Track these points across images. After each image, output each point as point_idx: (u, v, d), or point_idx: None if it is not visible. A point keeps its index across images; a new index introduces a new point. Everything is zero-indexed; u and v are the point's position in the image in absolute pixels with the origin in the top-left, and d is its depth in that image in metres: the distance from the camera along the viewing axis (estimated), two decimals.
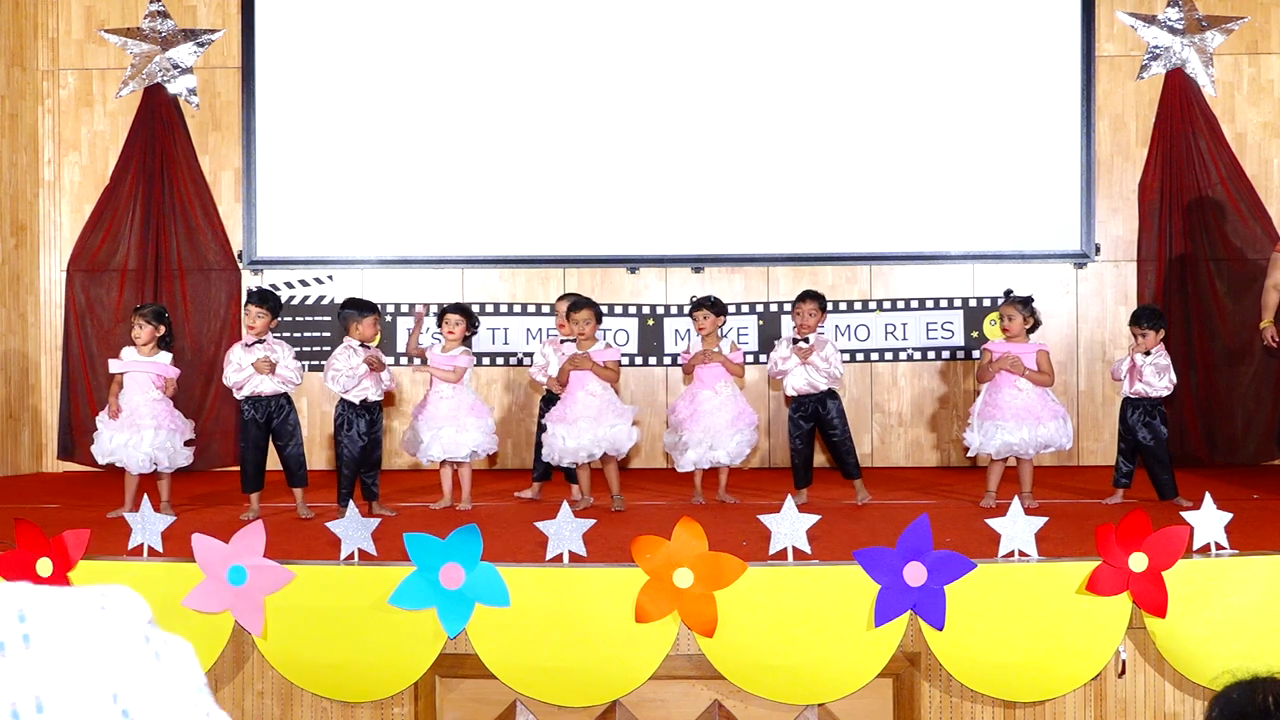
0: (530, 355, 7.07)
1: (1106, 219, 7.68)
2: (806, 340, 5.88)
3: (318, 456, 7.69)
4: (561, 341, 6.03)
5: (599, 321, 5.94)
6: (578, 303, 5.90)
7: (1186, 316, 7.51)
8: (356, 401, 5.62)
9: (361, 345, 5.66)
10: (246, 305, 5.73)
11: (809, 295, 6.06)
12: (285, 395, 5.63)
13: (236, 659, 4.19)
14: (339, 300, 7.66)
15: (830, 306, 7.54)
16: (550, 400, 6.01)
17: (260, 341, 5.61)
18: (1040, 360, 5.75)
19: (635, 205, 7.67)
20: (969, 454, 5.92)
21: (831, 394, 5.92)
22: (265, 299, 5.72)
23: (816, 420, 5.92)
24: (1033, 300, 5.91)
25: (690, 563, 3.93)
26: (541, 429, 5.97)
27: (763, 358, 7.64)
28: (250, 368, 5.51)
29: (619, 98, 7.68)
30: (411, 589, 3.96)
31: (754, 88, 7.66)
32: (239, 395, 5.64)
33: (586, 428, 5.62)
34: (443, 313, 5.98)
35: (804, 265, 7.69)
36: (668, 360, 7.67)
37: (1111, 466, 5.95)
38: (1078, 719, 4.07)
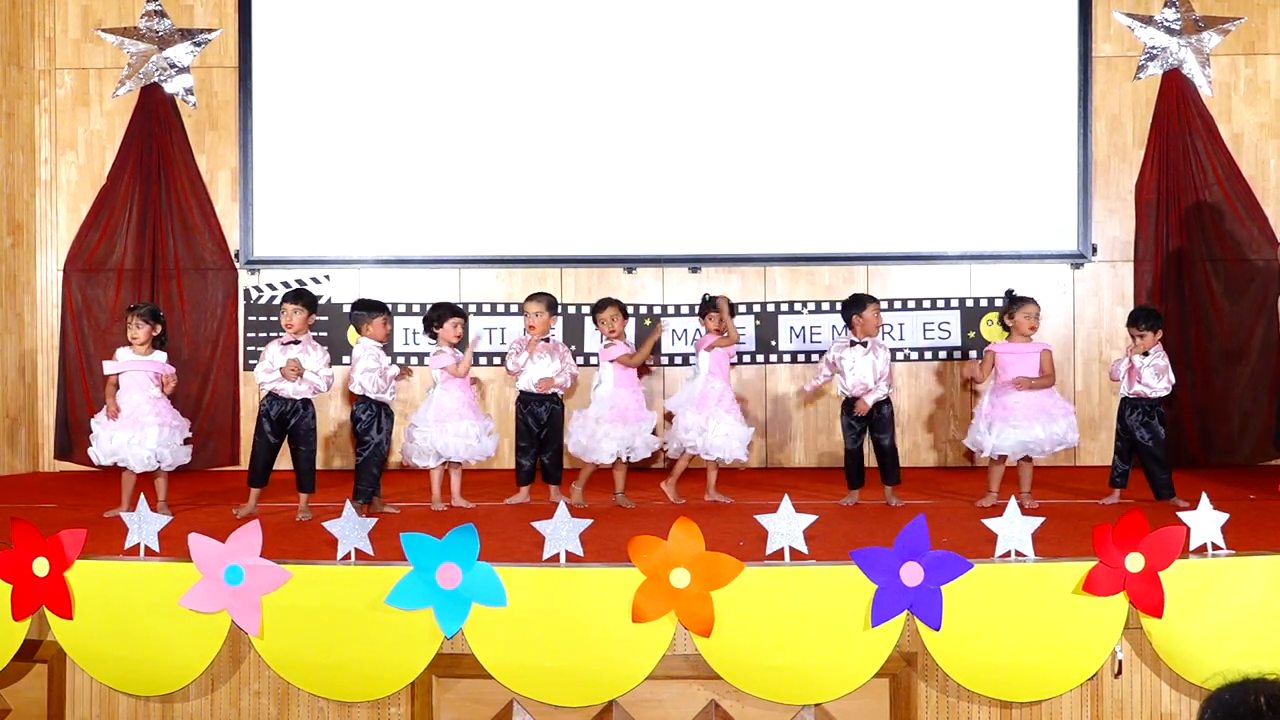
0: None
1: (1103, 219, 7.69)
2: (865, 344, 5.90)
3: (317, 457, 7.68)
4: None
5: (625, 317, 6.06)
6: (601, 301, 6.15)
7: (1183, 317, 7.51)
8: (388, 400, 5.70)
9: (382, 347, 5.76)
10: (282, 304, 5.72)
11: (870, 299, 6.03)
12: (305, 399, 5.62)
13: (233, 658, 4.19)
14: (335, 300, 7.68)
15: (827, 306, 7.58)
16: (527, 400, 6.03)
17: (296, 342, 5.60)
18: (1044, 362, 5.77)
19: (632, 205, 7.68)
20: (983, 454, 5.85)
21: (885, 399, 5.92)
22: (300, 296, 5.73)
23: (867, 422, 5.92)
24: (1032, 300, 5.93)
25: (687, 563, 3.93)
26: (523, 433, 6.01)
27: (760, 357, 7.66)
28: (279, 369, 5.51)
29: (616, 98, 7.68)
30: (408, 589, 3.96)
31: (752, 88, 7.66)
32: (263, 390, 5.62)
33: (639, 428, 5.87)
34: (438, 319, 5.97)
35: (801, 265, 7.70)
36: (664, 360, 7.68)
37: (1108, 466, 5.95)
38: (1074, 719, 4.08)
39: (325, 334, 7.72)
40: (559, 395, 6.07)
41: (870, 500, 5.90)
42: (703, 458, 6.00)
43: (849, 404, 5.92)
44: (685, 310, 7.61)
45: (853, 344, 5.92)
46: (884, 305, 7.56)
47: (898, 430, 7.60)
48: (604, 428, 5.87)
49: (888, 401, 5.93)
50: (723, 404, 5.98)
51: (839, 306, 7.53)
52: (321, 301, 7.75)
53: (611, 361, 5.99)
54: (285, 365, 5.49)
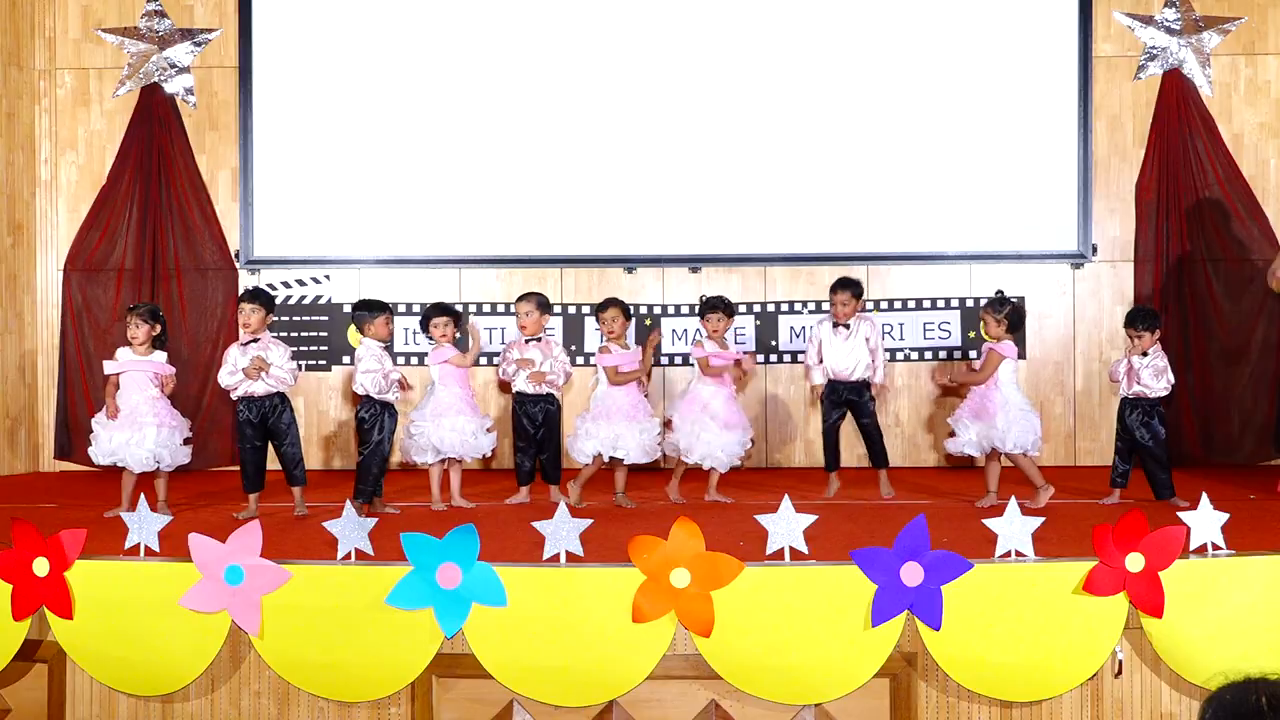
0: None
1: (1103, 219, 7.69)
2: (847, 326, 5.97)
3: (315, 456, 7.70)
4: (526, 341, 6.05)
5: (628, 319, 6.04)
6: (604, 301, 6.16)
7: (1183, 317, 7.51)
8: (392, 400, 5.71)
9: (385, 347, 5.79)
10: (240, 304, 5.75)
11: (843, 285, 6.12)
12: (280, 394, 5.63)
13: (233, 659, 4.19)
14: (336, 300, 7.68)
15: (827, 307, 7.57)
16: (523, 400, 6.03)
17: (256, 340, 5.61)
18: (984, 359, 5.77)
19: (632, 205, 7.68)
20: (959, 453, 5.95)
21: (866, 383, 5.98)
22: (257, 295, 5.75)
23: (850, 407, 5.97)
24: (1006, 301, 5.90)
25: (687, 563, 3.93)
26: (520, 434, 6.01)
27: (760, 357, 7.66)
28: (241, 370, 5.51)
29: (616, 98, 7.68)
30: (408, 589, 3.96)
31: (752, 88, 7.66)
32: (234, 396, 5.64)
33: (626, 428, 5.83)
34: (426, 317, 6.00)
35: (801, 265, 7.70)
36: (664, 360, 7.68)
37: (1108, 466, 5.95)
38: (1074, 719, 4.08)
39: (325, 334, 7.73)
40: (554, 395, 6.07)
41: (870, 500, 5.91)
42: (684, 460, 6.03)
43: (829, 385, 6.00)
44: (685, 310, 7.61)
45: (835, 326, 5.98)
46: (885, 305, 7.62)
47: (898, 430, 7.66)
48: (585, 426, 5.88)
49: (868, 386, 5.96)
50: (709, 411, 5.94)
51: None
52: (321, 301, 7.75)
53: (604, 368, 5.99)
54: (248, 365, 5.50)
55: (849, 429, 6.32)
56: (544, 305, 6.13)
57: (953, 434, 5.87)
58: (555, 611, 4.00)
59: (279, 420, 5.62)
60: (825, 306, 7.57)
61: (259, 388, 5.56)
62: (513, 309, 7.55)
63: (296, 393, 6.39)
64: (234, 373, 5.56)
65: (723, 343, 6.14)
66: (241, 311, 5.67)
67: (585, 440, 5.85)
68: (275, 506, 5.69)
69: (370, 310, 5.86)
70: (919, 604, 3.91)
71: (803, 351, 7.63)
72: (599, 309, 6.15)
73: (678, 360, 7.65)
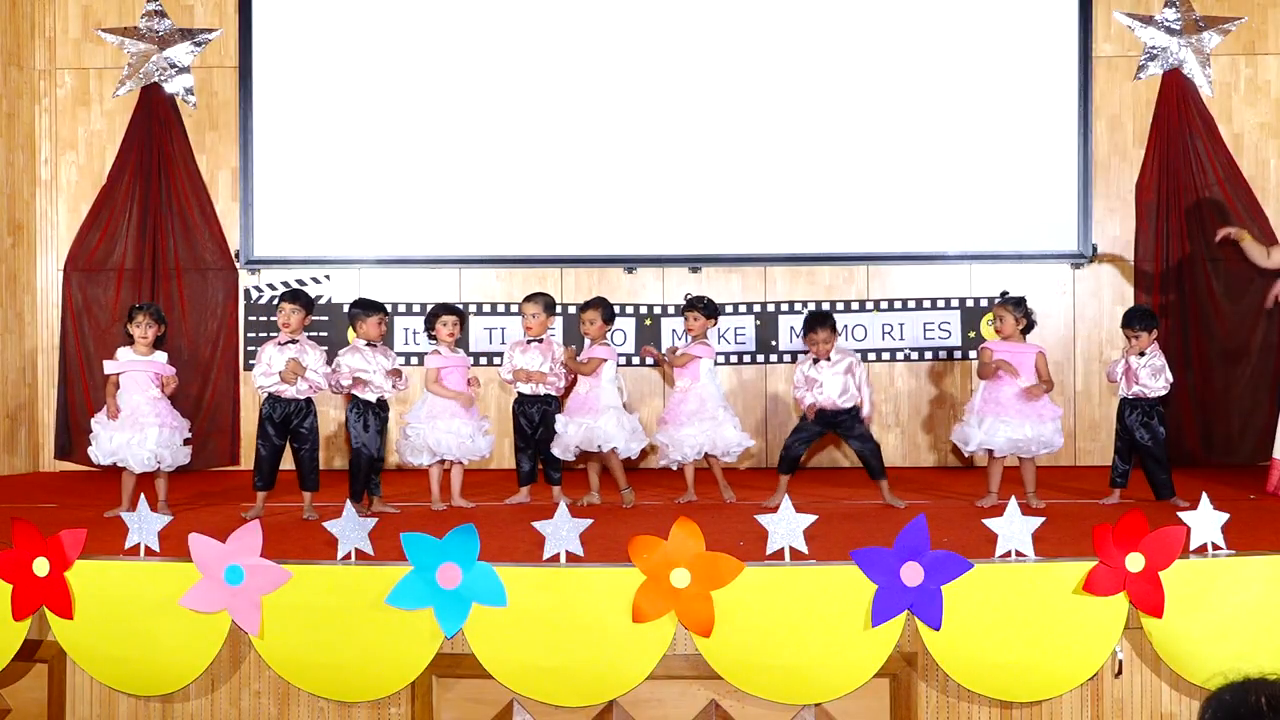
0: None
1: (1104, 219, 7.69)
2: (829, 359, 5.92)
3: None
4: (528, 343, 6.06)
5: (606, 322, 6.05)
6: (587, 302, 6.16)
7: (1183, 317, 7.51)
8: (374, 399, 5.70)
9: (369, 345, 5.77)
10: (279, 304, 5.72)
11: (820, 323, 6.02)
12: (308, 398, 5.62)
13: (233, 658, 4.19)
14: (336, 300, 7.68)
15: (827, 306, 7.59)
16: (521, 401, 6.04)
17: (294, 341, 5.60)
18: (1039, 366, 5.75)
19: (632, 205, 7.68)
20: (967, 450, 5.88)
21: (856, 408, 5.93)
22: (298, 296, 5.72)
23: (844, 430, 5.92)
24: (1025, 301, 5.92)
25: (687, 563, 3.93)
26: (521, 434, 6.02)
27: (760, 357, 7.65)
28: (278, 373, 5.50)
29: (616, 98, 7.68)
30: (408, 589, 3.96)
31: (752, 88, 7.66)
32: (263, 393, 5.63)
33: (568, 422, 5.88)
34: (434, 315, 6.01)
35: (801, 265, 7.70)
36: (664, 361, 7.67)
37: (1108, 466, 5.95)
38: (1074, 719, 4.08)
39: (325, 334, 7.72)
40: (553, 396, 6.07)
41: (870, 500, 5.91)
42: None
43: (819, 413, 5.93)
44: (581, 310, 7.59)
45: (815, 361, 5.95)
46: (884, 305, 7.62)
47: (898, 430, 7.66)
48: (586, 419, 5.91)
49: (856, 410, 5.92)
50: (672, 407, 6.09)
51: (839, 307, 7.61)
52: (321, 301, 7.75)
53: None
54: (285, 369, 5.48)
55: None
56: (550, 306, 6.13)
57: (954, 431, 5.89)
58: (555, 611, 4.01)
59: (302, 423, 5.60)
60: (825, 306, 7.60)
61: (290, 389, 5.55)
62: (512, 309, 7.62)
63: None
64: (269, 374, 5.52)
65: (704, 340, 6.20)
66: (281, 311, 5.63)
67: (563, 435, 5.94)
68: (277, 507, 5.68)
69: (365, 310, 5.84)
70: (919, 604, 3.91)
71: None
72: (580, 308, 6.18)
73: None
